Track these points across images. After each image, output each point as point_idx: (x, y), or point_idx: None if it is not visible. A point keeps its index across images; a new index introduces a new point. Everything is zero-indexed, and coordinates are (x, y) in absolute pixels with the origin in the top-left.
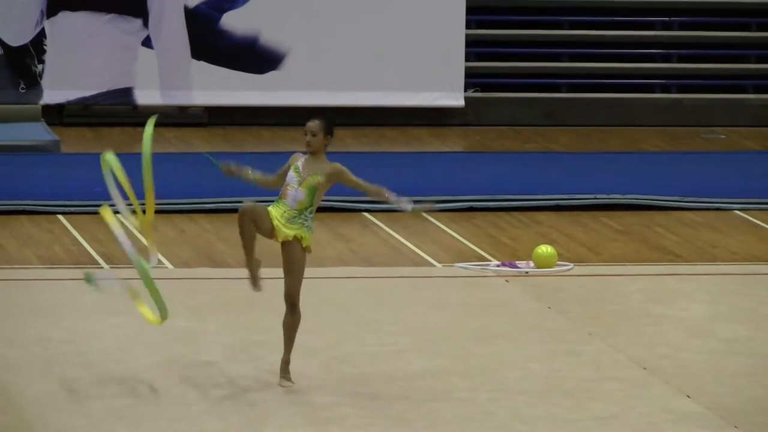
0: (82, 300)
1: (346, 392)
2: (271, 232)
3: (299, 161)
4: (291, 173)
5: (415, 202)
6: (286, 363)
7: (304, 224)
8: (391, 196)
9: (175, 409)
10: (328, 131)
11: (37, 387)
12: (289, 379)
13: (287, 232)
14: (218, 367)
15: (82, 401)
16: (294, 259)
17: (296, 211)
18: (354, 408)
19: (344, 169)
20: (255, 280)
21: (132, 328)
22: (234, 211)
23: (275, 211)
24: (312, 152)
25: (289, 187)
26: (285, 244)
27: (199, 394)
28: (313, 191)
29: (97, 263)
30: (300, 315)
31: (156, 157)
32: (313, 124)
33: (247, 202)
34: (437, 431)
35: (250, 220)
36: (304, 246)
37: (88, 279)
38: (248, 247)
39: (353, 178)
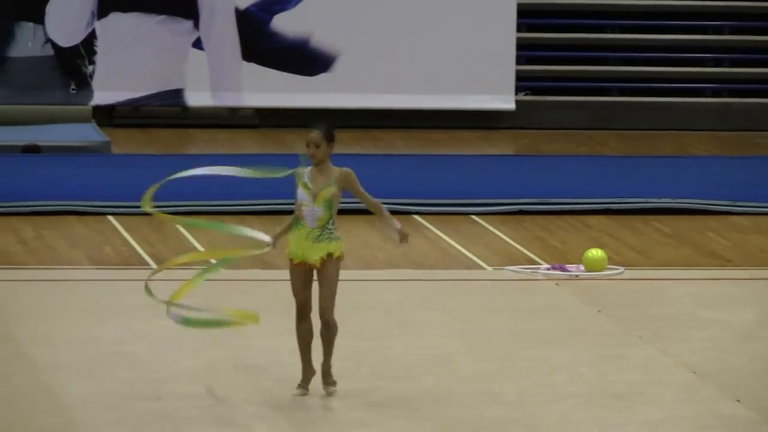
0: (130, 301)
1: (393, 395)
2: (310, 276)
3: (305, 176)
4: (301, 192)
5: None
6: (327, 369)
7: (330, 237)
8: (387, 216)
9: (222, 410)
10: (330, 138)
11: (83, 388)
12: (332, 384)
13: (319, 254)
14: (264, 370)
15: (129, 402)
16: (328, 275)
17: (318, 229)
18: (401, 410)
19: (353, 175)
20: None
21: (179, 330)
22: (282, 212)
23: (297, 240)
24: (317, 163)
25: (303, 207)
26: (320, 265)
27: (245, 397)
28: (330, 204)
29: (147, 264)
30: (336, 325)
31: (206, 158)
32: (315, 135)
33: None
34: None
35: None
36: (335, 257)
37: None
38: (303, 353)
39: (359, 188)
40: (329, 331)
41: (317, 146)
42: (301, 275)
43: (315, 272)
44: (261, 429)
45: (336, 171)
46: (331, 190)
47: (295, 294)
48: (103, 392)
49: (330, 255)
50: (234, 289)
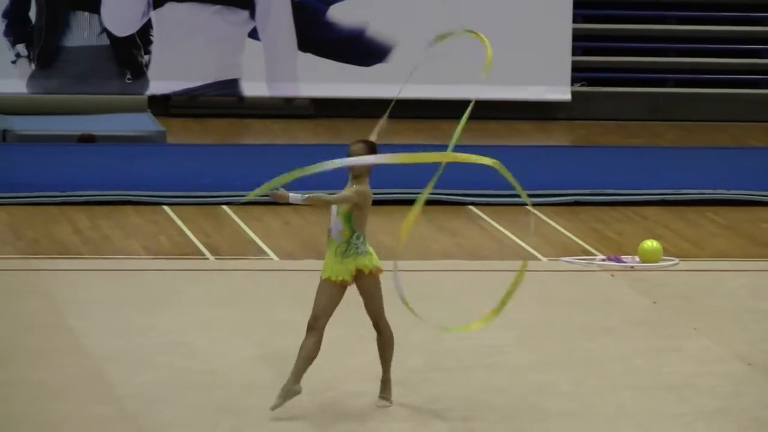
0: (187, 291)
1: (450, 386)
2: (338, 293)
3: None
4: (334, 207)
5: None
6: (385, 383)
7: (357, 252)
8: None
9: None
10: (372, 154)
11: (140, 377)
12: (387, 399)
13: (347, 269)
14: (321, 360)
15: (185, 392)
16: (366, 290)
17: (344, 244)
18: (457, 401)
19: (363, 195)
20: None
21: (236, 319)
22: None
23: (329, 257)
24: (355, 176)
25: (332, 224)
26: (355, 279)
27: (303, 387)
28: (347, 217)
29: (202, 254)
30: (391, 333)
31: (261, 149)
32: (357, 147)
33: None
34: (541, 426)
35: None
36: (367, 273)
37: None
38: (303, 369)
39: (343, 195)
40: (382, 338)
41: None
42: (326, 290)
43: (357, 289)
44: (317, 420)
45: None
46: (347, 204)
47: (314, 305)
48: (158, 382)
49: (361, 271)
50: (288, 280)
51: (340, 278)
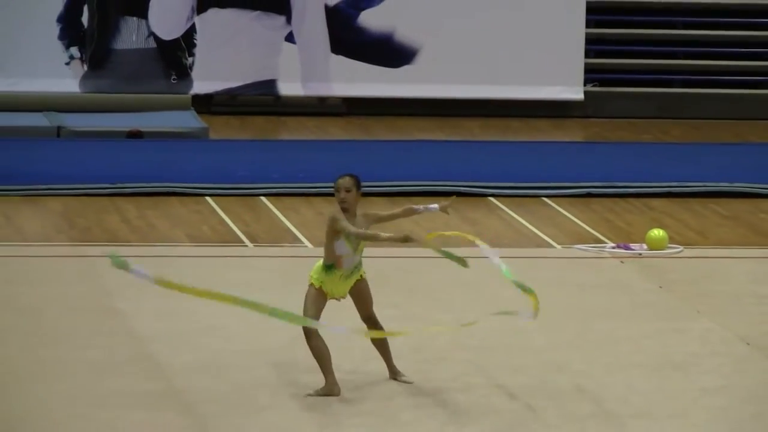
0: (227, 276)
1: (472, 364)
2: (324, 303)
3: (343, 224)
4: (343, 243)
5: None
6: (392, 367)
7: (357, 268)
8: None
9: (310, 377)
10: (359, 186)
11: (184, 356)
12: (402, 374)
13: (349, 284)
14: (349, 341)
15: (226, 370)
16: (361, 293)
17: (355, 269)
18: (480, 378)
19: (372, 212)
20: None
21: (273, 303)
22: (375, 194)
23: (330, 279)
24: (346, 209)
25: (344, 258)
26: (349, 292)
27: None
28: (362, 248)
29: (242, 242)
30: (381, 327)
31: (296, 144)
32: (345, 181)
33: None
34: (556, 401)
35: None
36: (364, 278)
37: (118, 263)
38: (328, 366)
39: (379, 213)
40: (375, 327)
41: (347, 191)
42: (321, 301)
43: (352, 296)
44: (346, 397)
45: (360, 217)
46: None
47: (305, 312)
48: (200, 361)
49: (358, 280)
50: None
51: (339, 296)
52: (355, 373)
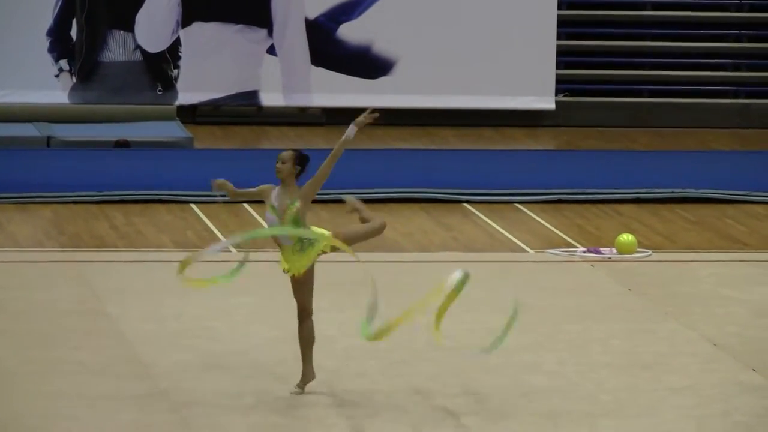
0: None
1: (447, 364)
2: (311, 273)
3: (272, 196)
4: (270, 215)
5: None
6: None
7: (312, 243)
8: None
9: (296, 375)
10: (299, 162)
11: (171, 357)
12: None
13: (303, 264)
14: (335, 341)
15: (212, 370)
16: (307, 281)
17: (297, 243)
18: (454, 378)
19: (309, 182)
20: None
21: (257, 305)
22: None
23: (285, 256)
24: (282, 179)
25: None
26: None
27: (316, 366)
28: (297, 219)
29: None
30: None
31: (278, 153)
32: (285, 153)
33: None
34: (528, 399)
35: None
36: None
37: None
38: (309, 354)
39: (315, 178)
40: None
41: (283, 162)
42: (300, 284)
43: (292, 282)
44: (330, 393)
45: (298, 190)
46: (295, 205)
47: (296, 299)
48: (187, 362)
49: (334, 248)
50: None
51: (305, 268)
52: (336, 373)
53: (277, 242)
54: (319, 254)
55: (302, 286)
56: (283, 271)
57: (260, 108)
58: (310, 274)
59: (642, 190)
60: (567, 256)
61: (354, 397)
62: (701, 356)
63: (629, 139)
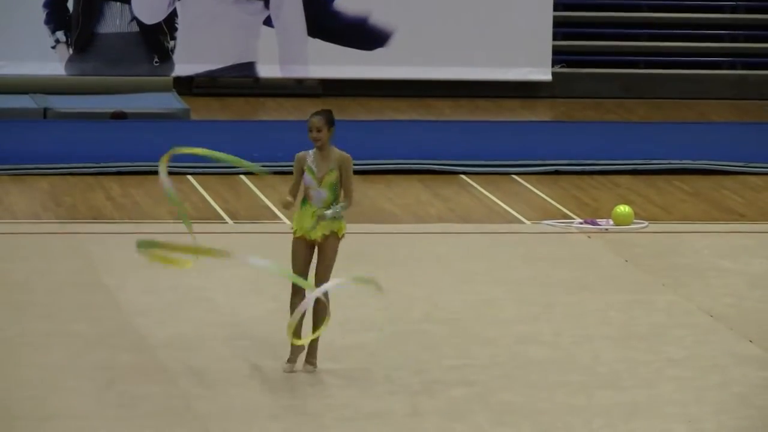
0: None
1: (445, 336)
2: (310, 252)
3: (308, 160)
4: (307, 176)
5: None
6: (313, 348)
7: (339, 217)
8: (343, 205)
9: (289, 348)
10: (331, 124)
11: (168, 329)
12: (313, 364)
13: (321, 231)
14: (333, 313)
15: (208, 341)
16: (330, 252)
17: (324, 208)
18: (452, 349)
19: (350, 161)
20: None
21: (254, 277)
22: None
23: (302, 216)
24: (320, 147)
25: (311, 190)
26: (321, 240)
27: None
28: (334, 187)
29: (222, 219)
30: (328, 300)
31: (276, 124)
32: (317, 120)
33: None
34: (526, 371)
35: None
36: (340, 236)
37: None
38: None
39: (350, 174)
40: (319, 303)
41: (319, 130)
42: (302, 250)
43: (318, 249)
44: (325, 366)
45: (336, 154)
46: (335, 174)
47: (293, 267)
48: (183, 334)
49: (334, 233)
50: None
51: (313, 237)
52: (332, 345)
53: (308, 197)
54: (342, 235)
55: (327, 258)
56: (294, 234)
57: (257, 80)
58: (335, 249)
59: (639, 161)
60: (564, 228)
61: (350, 369)
62: (698, 327)
63: (626, 110)
